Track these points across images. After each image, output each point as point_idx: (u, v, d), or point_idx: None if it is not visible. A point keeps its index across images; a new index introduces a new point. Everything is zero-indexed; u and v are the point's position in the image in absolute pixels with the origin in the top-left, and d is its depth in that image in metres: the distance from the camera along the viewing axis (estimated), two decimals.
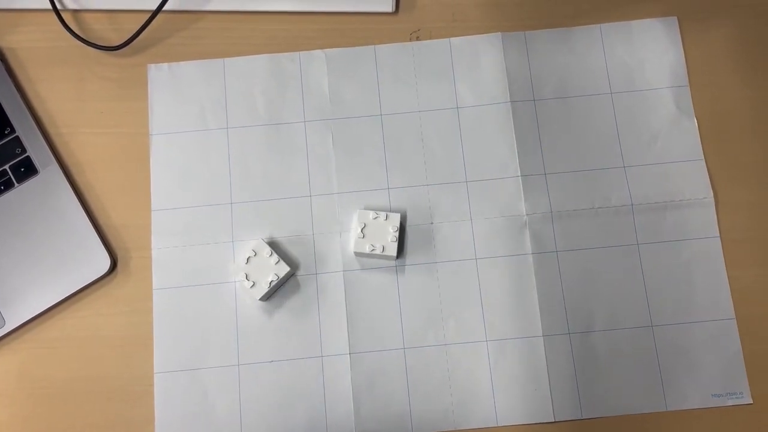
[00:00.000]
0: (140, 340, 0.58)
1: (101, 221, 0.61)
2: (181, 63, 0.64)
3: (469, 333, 0.58)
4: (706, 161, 0.61)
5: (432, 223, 0.60)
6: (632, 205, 0.60)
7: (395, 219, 0.58)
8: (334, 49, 0.64)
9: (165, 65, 0.64)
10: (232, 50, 0.64)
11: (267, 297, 0.58)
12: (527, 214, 0.60)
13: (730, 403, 0.56)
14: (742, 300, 0.58)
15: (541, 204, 0.60)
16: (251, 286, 0.57)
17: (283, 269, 0.57)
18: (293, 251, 0.60)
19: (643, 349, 0.57)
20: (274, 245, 0.59)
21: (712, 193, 0.60)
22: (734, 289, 0.58)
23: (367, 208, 0.60)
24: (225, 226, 0.60)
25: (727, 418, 0.56)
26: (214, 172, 0.62)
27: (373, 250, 0.57)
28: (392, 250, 0.58)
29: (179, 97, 0.63)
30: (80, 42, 0.64)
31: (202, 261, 0.60)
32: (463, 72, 0.64)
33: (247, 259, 0.58)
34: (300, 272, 0.59)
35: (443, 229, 0.60)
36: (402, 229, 0.59)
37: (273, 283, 0.57)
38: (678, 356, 0.57)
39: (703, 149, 0.61)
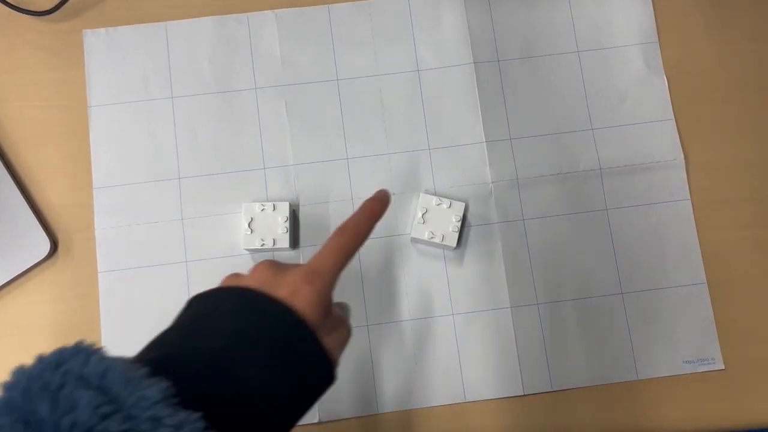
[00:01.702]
0: (87, 327, 0.55)
1: (39, 201, 0.57)
2: (120, 28, 0.59)
3: (435, 307, 0.55)
4: (676, 121, 0.59)
5: (394, 194, 0.57)
6: (600, 169, 0.58)
7: (284, 208, 0.54)
8: (285, 9, 0.60)
9: (102, 30, 0.59)
10: (174, 13, 0.60)
11: (294, 242, 0.56)
12: (492, 182, 0.57)
13: (701, 369, 0.55)
14: (714, 264, 0.57)
15: (506, 171, 0.58)
16: (274, 244, 0.54)
17: (285, 207, 0.54)
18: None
19: (614, 318, 0.56)
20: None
21: (682, 155, 0.58)
22: (705, 253, 0.57)
23: (427, 192, 0.57)
24: (173, 202, 0.57)
25: (699, 384, 0.55)
26: (159, 145, 0.57)
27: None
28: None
29: (119, 65, 0.59)
30: (7, 7, 0.59)
31: (150, 240, 0.56)
32: (424, 32, 0.60)
33: (250, 226, 0.54)
34: (252, 246, 0.56)
35: (407, 199, 0.57)
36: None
37: (288, 226, 0.54)
38: (649, 323, 0.56)
39: (673, 109, 0.59)
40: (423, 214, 0.55)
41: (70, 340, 0.53)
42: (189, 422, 0.27)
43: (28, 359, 0.54)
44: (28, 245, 0.55)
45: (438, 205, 0.55)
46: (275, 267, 0.37)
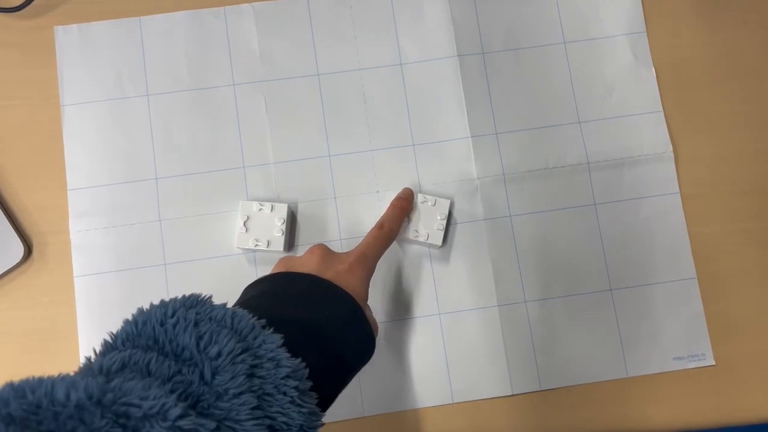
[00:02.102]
0: (64, 333, 0.53)
1: (12, 204, 0.55)
2: (92, 23, 0.57)
3: (420, 307, 0.54)
4: (665, 113, 0.58)
5: (378, 192, 0.56)
6: (588, 163, 0.57)
7: (282, 210, 0.53)
8: (262, 2, 0.58)
9: (74, 26, 0.57)
10: (148, 7, 0.58)
11: (289, 245, 0.54)
12: (478, 178, 0.56)
13: (692, 365, 0.54)
14: (703, 259, 0.56)
15: (492, 166, 0.56)
16: (268, 246, 0.53)
17: (283, 209, 0.53)
18: (227, 228, 0.55)
19: (603, 315, 0.55)
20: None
21: (671, 147, 0.57)
22: (695, 248, 0.56)
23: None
24: (150, 203, 0.55)
25: (689, 381, 0.54)
26: (134, 144, 0.56)
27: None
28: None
29: (91, 62, 0.57)
30: None
31: (127, 243, 0.54)
32: (406, 24, 0.58)
33: (245, 226, 0.53)
34: (235, 252, 0.54)
35: (390, 197, 0.56)
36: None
37: (285, 227, 0.53)
38: (638, 320, 0.55)
39: (661, 100, 0.58)
40: (409, 213, 0.54)
41: (48, 346, 0.52)
42: (300, 368, 0.32)
43: (3, 366, 0.52)
44: (1, 250, 0.53)
45: (423, 203, 0.54)
46: (327, 251, 0.45)
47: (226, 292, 0.53)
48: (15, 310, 0.54)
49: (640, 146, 0.57)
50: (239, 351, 0.30)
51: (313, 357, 0.34)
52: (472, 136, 0.57)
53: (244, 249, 0.54)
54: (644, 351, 0.54)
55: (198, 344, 0.30)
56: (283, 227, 0.53)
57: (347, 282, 0.41)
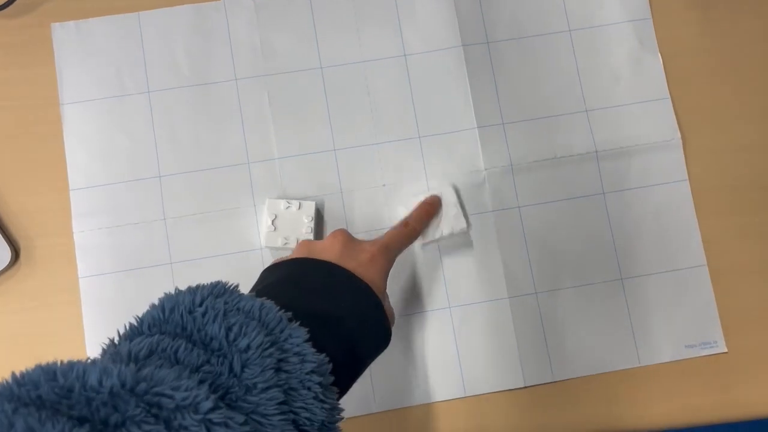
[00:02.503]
0: (58, 336, 0.52)
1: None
2: (90, 20, 0.56)
3: (431, 301, 0.54)
4: (672, 100, 0.57)
5: (384, 185, 0.55)
6: (596, 152, 0.56)
7: (310, 208, 0.53)
8: None
9: (71, 23, 0.56)
10: (147, 2, 0.57)
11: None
12: (486, 169, 0.55)
13: (704, 353, 0.54)
14: (713, 245, 0.55)
15: (500, 157, 0.56)
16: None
17: (310, 207, 0.52)
18: (232, 225, 0.54)
19: (614, 304, 0.54)
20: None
21: (679, 134, 0.57)
22: (705, 234, 0.55)
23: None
24: (154, 202, 0.54)
25: (702, 368, 0.54)
26: (137, 142, 0.55)
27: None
28: (460, 223, 0.53)
29: (91, 59, 0.56)
30: None
31: (133, 243, 0.54)
32: (409, 15, 0.58)
33: (273, 224, 0.52)
34: (241, 249, 0.54)
35: (397, 191, 0.55)
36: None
37: (314, 226, 0.52)
38: (649, 308, 0.54)
39: (668, 87, 0.57)
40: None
41: (38, 351, 0.51)
42: (324, 363, 0.32)
43: None
44: None
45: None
46: (350, 237, 0.43)
47: None
48: (4, 314, 0.53)
49: (647, 134, 0.56)
50: (268, 345, 0.30)
51: (334, 351, 0.34)
52: (478, 127, 0.56)
53: (272, 248, 0.53)
54: (656, 339, 0.54)
55: (227, 335, 0.30)
56: (312, 225, 0.52)
57: (368, 273, 0.40)
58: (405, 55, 0.57)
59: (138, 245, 0.53)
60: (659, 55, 0.58)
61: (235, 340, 0.30)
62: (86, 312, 0.53)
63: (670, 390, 0.53)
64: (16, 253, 0.53)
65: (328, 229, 0.54)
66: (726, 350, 0.54)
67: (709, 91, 0.57)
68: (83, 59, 0.56)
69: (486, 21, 0.58)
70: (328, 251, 0.41)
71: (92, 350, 0.52)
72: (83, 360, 0.27)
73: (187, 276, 0.53)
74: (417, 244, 0.54)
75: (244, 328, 0.30)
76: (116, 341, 0.30)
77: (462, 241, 0.54)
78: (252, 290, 0.39)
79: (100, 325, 0.52)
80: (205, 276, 0.53)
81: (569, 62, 0.57)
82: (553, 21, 0.58)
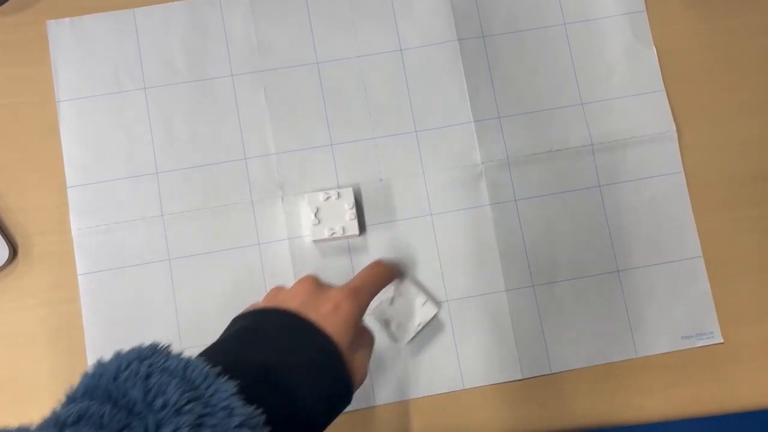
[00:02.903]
0: (56, 334, 0.52)
1: None
2: (85, 17, 0.56)
3: (428, 294, 0.54)
4: (666, 92, 0.57)
5: (381, 180, 0.55)
6: (592, 144, 0.56)
7: (349, 195, 0.53)
8: None
9: (66, 20, 0.56)
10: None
11: (361, 228, 0.54)
12: (482, 163, 0.56)
13: (700, 344, 0.54)
14: (708, 237, 0.56)
15: (496, 151, 0.56)
16: (344, 232, 0.53)
17: (349, 194, 0.53)
18: (231, 221, 0.54)
19: (610, 296, 0.55)
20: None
21: (674, 126, 0.57)
22: (700, 226, 0.56)
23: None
24: (152, 198, 0.54)
25: (698, 359, 0.54)
26: (134, 138, 0.55)
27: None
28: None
29: (87, 56, 0.56)
30: None
31: (131, 240, 0.54)
32: (405, 9, 0.58)
33: (316, 217, 0.52)
34: (240, 244, 0.54)
35: (394, 186, 0.55)
36: (357, 204, 0.54)
37: (354, 210, 0.53)
38: (646, 300, 0.55)
39: (663, 80, 0.58)
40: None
41: (38, 349, 0.51)
42: (254, 416, 0.31)
43: None
44: None
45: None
46: (317, 284, 0.42)
47: (232, 284, 0.53)
48: (2, 313, 0.53)
49: (642, 126, 0.57)
50: (185, 401, 0.30)
51: (275, 403, 0.34)
52: (474, 121, 0.56)
53: (318, 240, 0.53)
54: (653, 331, 0.54)
55: (146, 397, 0.30)
56: (354, 211, 0.53)
57: (330, 324, 0.39)
58: (401, 49, 0.57)
59: (136, 242, 0.54)
60: (654, 47, 0.58)
61: (153, 400, 0.30)
62: (85, 309, 0.53)
63: (666, 381, 0.54)
64: (13, 251, 0.53)
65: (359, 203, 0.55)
66: (722, 341, 0.54)
67: (704, 84, 0.58)
68: (79, 56, 0.56)
69: (481, 15, 0.58)
70: (291, 300, 0.40)
71: (91, 347, 0.52)
72: (27, 425, 0.29)
73: (187, 271, 0.53)
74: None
75: (162, 388, 0.30)
76: (57, 409, 0.31)
77: (458, 236, 0.55)
78: (221, 337, 0.40)
79: (99, 321, 0.52)
80: (204, 271, 0.53)
81: (564, 56, 0.58)
82: (549, 15, 0.58)
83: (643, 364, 0.54)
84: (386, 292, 0.52)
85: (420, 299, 0.52)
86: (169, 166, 0.55)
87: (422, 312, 0.52)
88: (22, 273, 0.53)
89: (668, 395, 0.53)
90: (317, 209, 0.53)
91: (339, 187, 0.54)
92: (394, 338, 0.52)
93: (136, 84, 0.56)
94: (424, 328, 0.52)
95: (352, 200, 0.53)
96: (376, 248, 0.54)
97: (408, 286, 0.53)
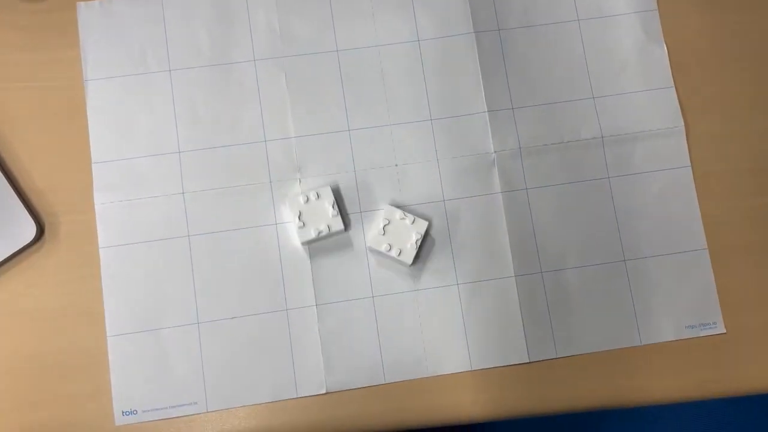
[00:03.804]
0: (79, 309, 0.54)
1: (24, 185, 0.55)
2: (114, 0, 0.58)
3: (440, 277, 0.55)
4: (676, 89, 0.59)
5: (396, 165, 0.57)
6: (602, 137, 0.58)
7: (328, 193, 0.54)
8: None
9: (96, 3, 0.58)
10: None
11: (347, 225, 0.55)
12: (495, 152, 0.57)
13: (703, 333, 0.56)
14: (713, 229, 0.57)
15: (509, 140, 0.58)
16: (329, 230, 0.54)
17: (328, 193, 0.54)
18: (250, 201, 0.56)
19: (617, 284, 0.56)
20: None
21: (682, 122, 0.58)
22: (705, 219, 0.57)
23: (392, 204, 0.56)
24: (174, 176, 0.56)
25: (701, 348, 0.55)
26: (158, 118, 0.57)
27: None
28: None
29: (114, 38, 0.58)
30: None
31: (152, 215, 0.55)
32: (423, 1, 0.59)
33: (300, 220, 0.54)
34: (256, 224, 0.55)
35: (409, 171, 0.57)
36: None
37: (336, 207, 0.54)
38: (651, 289, 0.56)
39: (673, 77, 0.59)
40: (384, 226, 0.55)
41: (63, 324, 0.53)
42: None
43: (21, 344, 0.53)
44: (13, 231, 0.53)
45: (402, 219, 0.55)
46: None
47: (249, 263, 0.55)
48: (29, 288, 0.54)
49: (651, 121, 0.58)
50: None
51: None
52: (488, 111, 0.58)
53: (307, 241, 0.54)
54: (657, 320, 0.56)
55: None
56: (335, 208, 0.54)
57: None
58: (419, 40, 0.59)
59: (157, 218, 0.55)
60: (665, 45, 0.60)
61: None
62: (105, 281, 0.54)
63: (670, 368, 0.55)
64: (41, 229, 0.55)
65: (375, 187, 0.56)
66: (725, 331, 0.56)
67: (713, 79, 0.59)
68: (107, 37, 0.58)
69: (498, 9, 0.59)
70: None
71: (111, 320, 0.54)
72: None
73: (205, 248, 0.55)
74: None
75: None
76: None
77: (470, 222, 0.56)
78: None
79: (119, 294, 0.54)
80: (221, 248, 0.55)
81: (577, 50, 0.59)
82: (563, 10, 0.60)
83: (648, 349, 0.55)
84: (375, 224, 0.54)
85: (408, 219, 0.54)
86: (192, 145, 0.56)
87: (415, 230, 0.54)
88: (48, 251, 0.55)
89: (672, 378, 0.55)
90: (300, 212, 0.54)
91: (320, 188, 0.55)
92: (400, 263, 0.54)
93: (162, 66, 0.57)
94: (422, 244, 0.54)
95: (332, 198, 0.54)
96: (380, 220, 0.56)
97: (392, 212, 0.55)
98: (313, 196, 0.54)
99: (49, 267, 0.55)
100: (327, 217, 0.54)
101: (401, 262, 0.54)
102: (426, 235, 0.55)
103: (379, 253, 0.54)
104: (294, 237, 0.55)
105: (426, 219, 0.55)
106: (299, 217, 0.54)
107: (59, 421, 0.53)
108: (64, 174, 0.56)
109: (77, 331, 0.54)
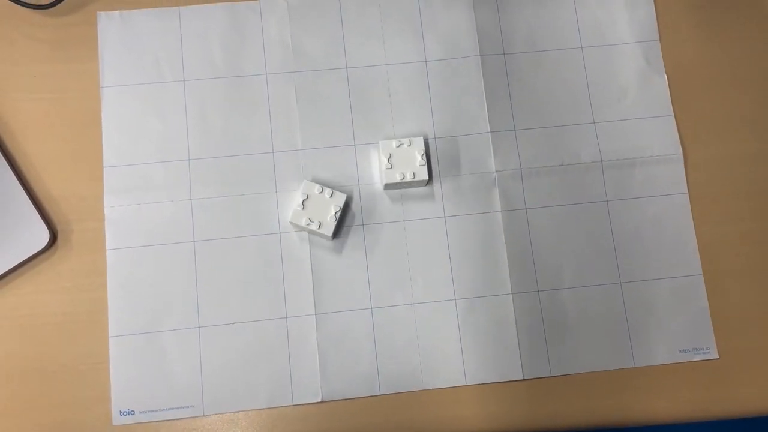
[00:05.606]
0: (86, 316, 0.55)
1: (39, 193, 0.57)
2: (134, 11, 0.60)
3: (438, 292, 0.56)
4: (675, 117, 0.60)
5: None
6: (602, 161, 0.59)
7: (340, 198, 0.56)
8: None
9: (116, 13, 0.60)
10: None
11: (335, 234, 0.56)
12: (497, 171, 0.59)
13: (696, 358, 0.56)
14: (709, 256, 0.58)
15: (510, 161, 0.59)
16: (319, 227, 0.55)
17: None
18: (255, 210, 0.57)
19: (612, 306, 0.57)
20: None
21: (681, 150, 0.60)
22: (701, 246, 0.58)
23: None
24: (182, 183, 0.57)
25: (694, 373, 0.56)
26: (170, 126, 0.58)
27: (309, 224, 0.55)
28: (329, 228, 0.55)
29: (132, 47, 0.60)
30: (12, 1, 0.59)
31: (159, 220, 0.57)
32: (432, 24, 0.61)
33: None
34: (261, 232, 0.57)
35: (411, 186, 0.58)
36: (346, 208, 0.57)
37: (338, 215, 0.55)
38: (646, 313, 0.57)
39: (672, 105, 0.61)
40: (388, 159, 0.57)
41: (71, 328, 0.54)
42: None
43: (30, 346, 0.54)
44: (27, 237, 0.55)
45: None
46: None
47: (252, 269, 0.56)
48: (40, 293, 0.55)
49: (651, 147, 0.60)
50: None
51: None
52: (491, 132, 0.59)
53: (295, 225, 0.56)
54: (651, 343, 0.56)
55: None
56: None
57: None
58: (426, 60, 0.61)
59: (164, 222, 0.57)
60: (665, 74, 0.61)
61: None
62: (111, 283, 0.55)
63: (662, 390, 0.55)
64: (53, 236, 0.56)
65: (379, 201, 0.58)
66: (717, 357, 0.56)
67: (712, 107, 0.61)
68: (125, 47, 0.59)
69: (504, 34, 0.61)
70: None
71: (114, 322, 0.55)
72: None
73: (209, 253, 0.56)
74: (379, 186, 0.57)
75: None
76: None
77: (469, 238, 0.57)
78: None
79: (123, 297, 0.55)
80: (226, 254, 0.56)
81: (580, 76, 0.61)
82: (567, 38, 0.62)
83: (641, 372, 0.56)
84: (295, 200, 0.56)
85: (326, 192, 0.55)
86: (201, 154, 0.58)
87: (333, 203, 0.56)
88: (60, 258, 0.56)
89: (664, 402, 0.55)
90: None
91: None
92: (321, 236, 0.56)
93: (176, 76, 0.59)
94: (339, 216, 0.56)
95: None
96: (382, 233, 0.57)
97: (311, 186, 0.56)
98: (406, 143, 0.56)
99: (60, 273, 0.56)
100: (414, 165, 0.56)
101: (322, 235, 0.56)
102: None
103: (300, 227, 0.56)
104: (296, 243, 0.56)
105: (342, 192, 0.56)
106: (388, 159, 0.56)
107: (59, 421, 0.53)
108: (77, 183, 0.57)
109: (84, 336, 0.55)
